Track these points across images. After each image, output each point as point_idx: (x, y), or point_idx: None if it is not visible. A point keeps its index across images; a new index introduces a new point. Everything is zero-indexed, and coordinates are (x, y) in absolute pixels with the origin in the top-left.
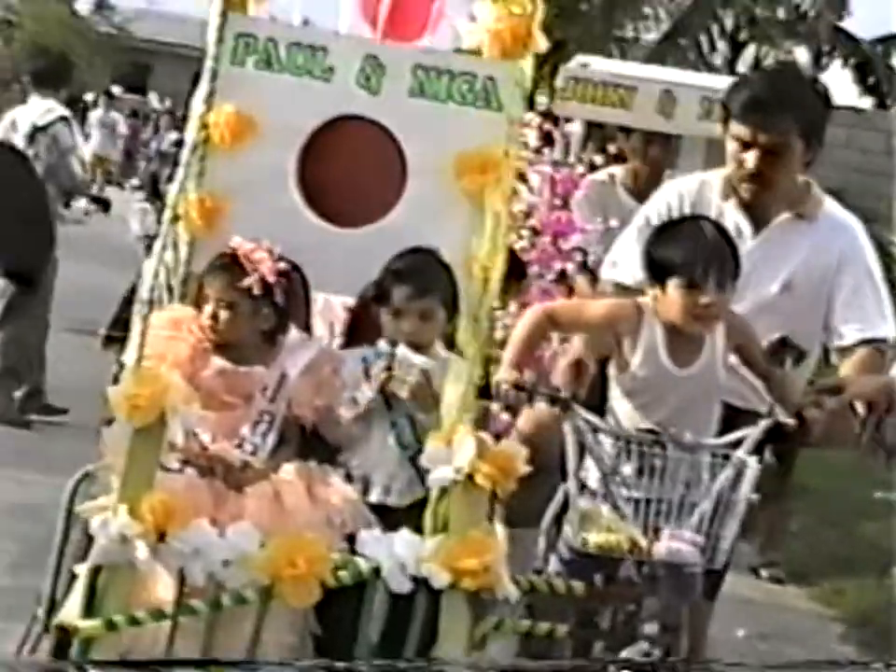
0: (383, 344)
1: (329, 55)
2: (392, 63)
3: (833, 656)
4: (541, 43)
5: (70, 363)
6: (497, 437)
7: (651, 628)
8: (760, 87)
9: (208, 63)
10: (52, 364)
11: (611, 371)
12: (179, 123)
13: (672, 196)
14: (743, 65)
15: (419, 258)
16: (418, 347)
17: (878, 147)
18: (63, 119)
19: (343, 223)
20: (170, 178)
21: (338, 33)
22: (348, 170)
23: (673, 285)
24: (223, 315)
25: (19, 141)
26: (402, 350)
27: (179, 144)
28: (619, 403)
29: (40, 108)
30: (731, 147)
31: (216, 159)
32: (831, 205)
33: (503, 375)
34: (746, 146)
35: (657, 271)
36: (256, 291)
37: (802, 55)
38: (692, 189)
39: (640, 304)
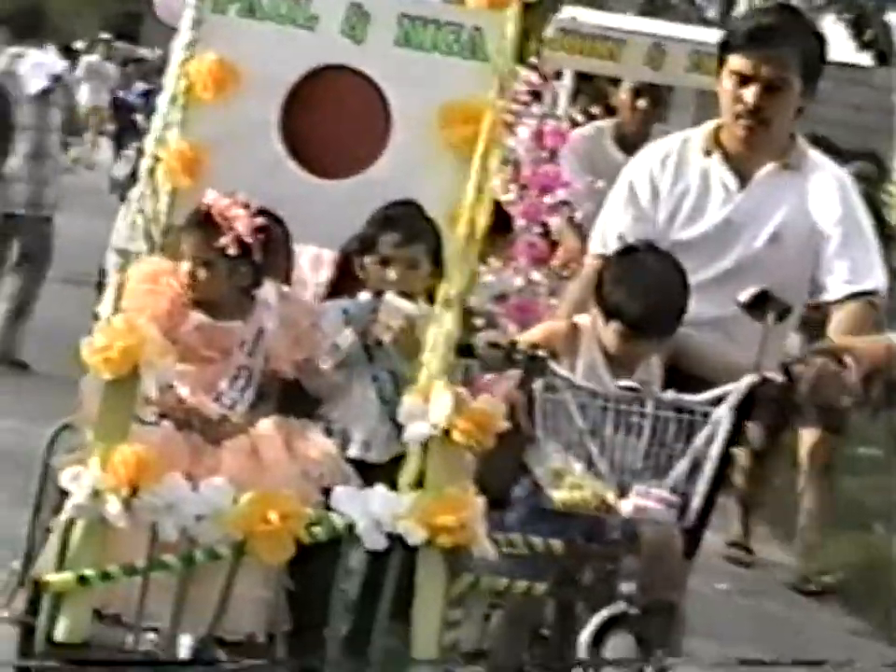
0: (364, 295)
1: (312, 3)
2: (377, 12)
3: (813, 612)
4: None
5: (64, 313)
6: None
7: (628, 587)
8: (764, 19)
9: (190, 12)
10: (47, 314)
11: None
12: (149, 73)
13: (654, 160)
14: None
15: (406, 208)
16: (405, 297)
17: (871, 104)
18: (65, 69)
19: (327, 174)
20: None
21: None
22: (332, 120)
23: (613, 326)
24: (200, 273)
25: (35, 87)
26: (389, 295)
27: (147, 94)
28: None
29: (48, 58)
30: (728, 84)
31: (197, 108)
32: (816, 156)
33: (481, 334)
34: (745, 80)
35: (602, 305)
36: (232, 251)
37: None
38: (672, 150)
39: (578, 325)
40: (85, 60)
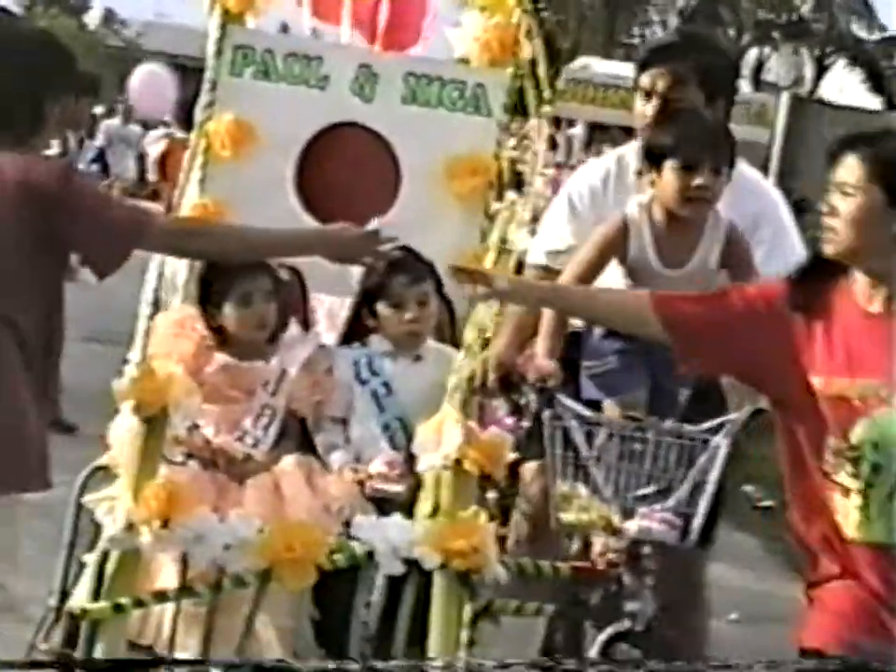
0: (375, 341)
1: (324, 65)
2: (385, 72)
3: None
4: (528, 50)
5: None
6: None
7: (632, 605)
8: (663, 38)
9: (207, 74)
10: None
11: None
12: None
13: (594, 176)
14: (746, 68)
15: (405, 252)
16: (416, 336)
17: None
18: None
19: None
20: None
21: (333, 43)
22: (345, 175)
23: (668, 166)
24: (269, 308)
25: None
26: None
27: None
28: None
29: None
30: (638, 104)
31: (216, 166)
32: (744, 167)
33: (492, 371)
34: (647, 96)
35: (654, 155)
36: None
37: (805, 56)
38: (610, 167)
39: (626, 216)
40: (105, 124)
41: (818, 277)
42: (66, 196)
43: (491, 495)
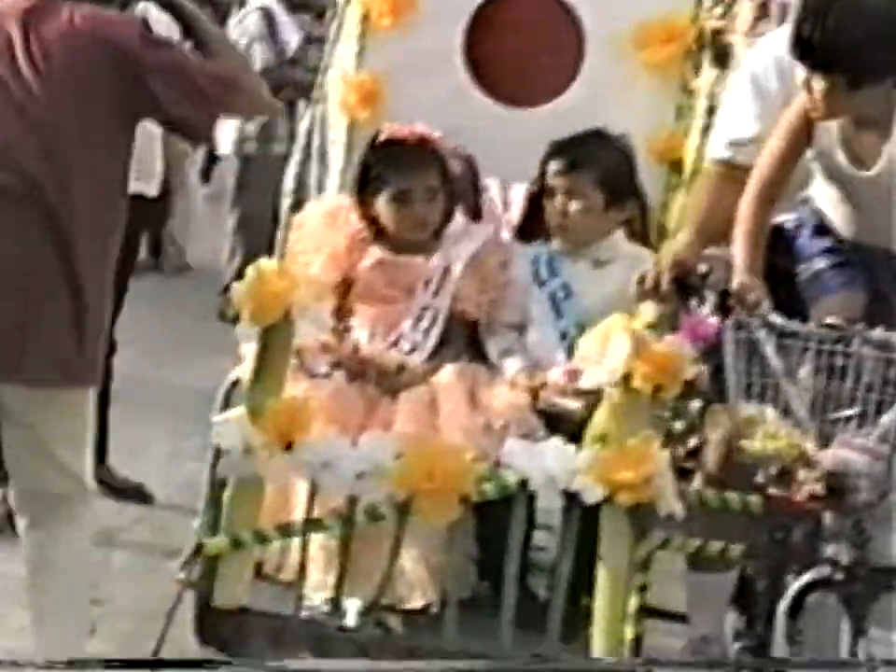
0: (557, 243)
1: None
2: None
3: None
4: None
5: None
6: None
7: (832, 549)
8: None
9: None
10: None
11: None
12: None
13: (779, 47)
14: None
15: (583, 134)
16: (564, 231)
17: None
18: None
19: (516, 103)
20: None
21: None
22: (520, 45)
23: (816, 77)
24: (431, 208)
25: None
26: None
27: (309, 40)
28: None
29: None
30: None
31: (375, 37)
32: None
33: (666, 271)
34: None
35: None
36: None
37: None
38: None
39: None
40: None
41: None
42: (147, 54)
43: (695, 404)
